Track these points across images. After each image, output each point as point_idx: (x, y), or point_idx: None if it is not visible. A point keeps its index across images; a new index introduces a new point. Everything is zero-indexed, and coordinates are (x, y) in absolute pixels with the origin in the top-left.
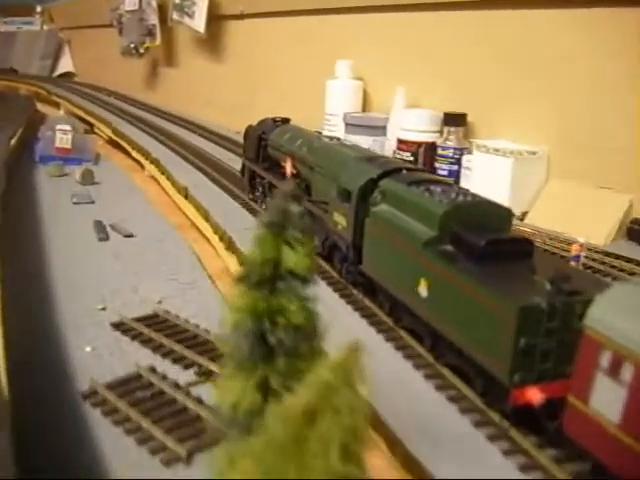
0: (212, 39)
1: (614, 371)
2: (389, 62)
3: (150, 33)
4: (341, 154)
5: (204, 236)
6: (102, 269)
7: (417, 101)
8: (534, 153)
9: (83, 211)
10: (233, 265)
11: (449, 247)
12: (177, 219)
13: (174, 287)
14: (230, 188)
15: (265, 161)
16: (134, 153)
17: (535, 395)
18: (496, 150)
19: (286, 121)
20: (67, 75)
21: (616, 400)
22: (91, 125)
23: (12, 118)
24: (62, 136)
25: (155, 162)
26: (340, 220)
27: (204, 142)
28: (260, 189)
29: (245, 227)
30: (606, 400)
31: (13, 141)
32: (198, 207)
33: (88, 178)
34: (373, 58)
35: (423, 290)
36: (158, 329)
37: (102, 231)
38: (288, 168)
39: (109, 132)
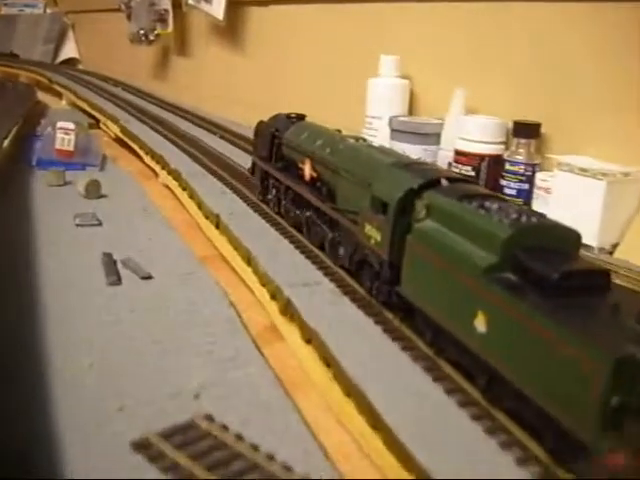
0: (232, 28)
1: None
2: (443, 59)
3: (161, 19)
4: (372, 158)
5: (240, 277)
6: (115, 335)
7: (477, 105)
8: (627, 174)
9: (88, 236)
10: (288, 333)
11: (512, 276)
12: (203, 247)
13: (212, 365)
14: (272, 217)
15: (279, 161)
16: (147, 159)
17: (625, 462)
18: (583, 170)
19: (301, 117)
20: (71, 62)
21: None
22: (96, 120)
23: (9, 110)
24: (64, 136)
25: (174, 174)
26: (373, 234)
27: (225, 145)
28: (274, 192)
29: (305, 283)
30: None
31: (6, 142)
32: (237, 247)
33: (94, 191)
34: (423, 54)
35: (480, 324)
36: (198, 455)
37: (112, 270)
38: (307, 171)
39: (116, 130)
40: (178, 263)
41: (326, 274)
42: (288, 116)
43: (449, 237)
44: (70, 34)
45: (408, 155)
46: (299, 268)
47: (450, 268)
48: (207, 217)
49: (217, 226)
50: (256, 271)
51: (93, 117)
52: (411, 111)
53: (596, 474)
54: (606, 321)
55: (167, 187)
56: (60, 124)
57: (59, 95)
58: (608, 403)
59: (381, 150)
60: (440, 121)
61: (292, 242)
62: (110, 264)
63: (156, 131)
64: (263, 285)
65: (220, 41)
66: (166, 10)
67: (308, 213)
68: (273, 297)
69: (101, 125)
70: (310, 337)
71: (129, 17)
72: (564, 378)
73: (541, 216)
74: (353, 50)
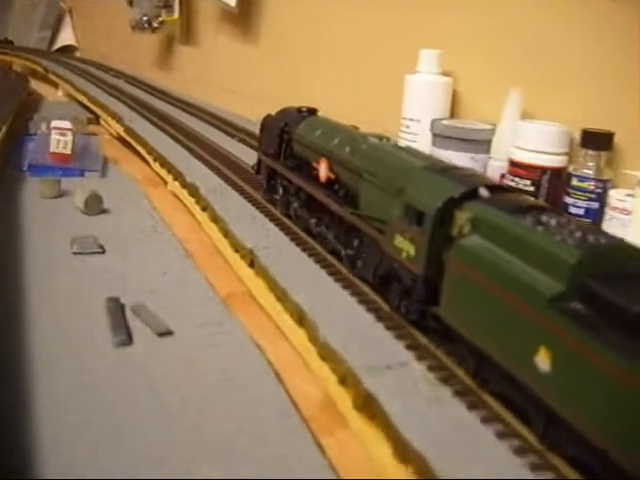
0: (245, 15)
1: None
2: (492, 53)
3: (166, 4)
4: (401, 160)
5: (278, 328)
6: (125, 434)
7: (533, 109)
8: None
9: (88, 270)
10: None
11: (581, 307)
12: (226, 280)
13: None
14: (330, 263)
15: (289, 159)
16: (155, 166)
17: None
18: None
19: (313, 112)
20: (68, 49)
21: None
22: (96, 115)
23: (1, 103)
24: (59, 137)
25: (190, 189)
26: (405, 246)
27: (245, 150)
28: (282, 192)
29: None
30: None
31: None
32: (283, 299)
33: (94, 206)
34: (469, 47)
35: (543, 362)
36: None
37: (120, 324)
38: (323, 172)
39: (119, 129)
40: (201, 308)
41: (413, 347)
42: (299, 110)
43: (502, 257)
44: (67, 20)
45: (440, 159)
46: (371, 337)
47: (504, 294)
48: (236, 250)
49: (251, 264)
50: (313, 339)
51: (92, 112)
52: (453, 113)
53: None
54: None
55: (176, 196)
56: (55, 123)
57: (55, 86)
58: None
59: (409, 151)
60: (490, 126)
61: (355, 293)
62: (117, 314)
63: (164, 131)
64: (323, 358)
65: (231, 29)
66: None
67: (323, 218)
68: (342, 382)
69: (101, 121)
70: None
71: (131, 3)
72: None
73: (610, 236)
74: (387, 42)
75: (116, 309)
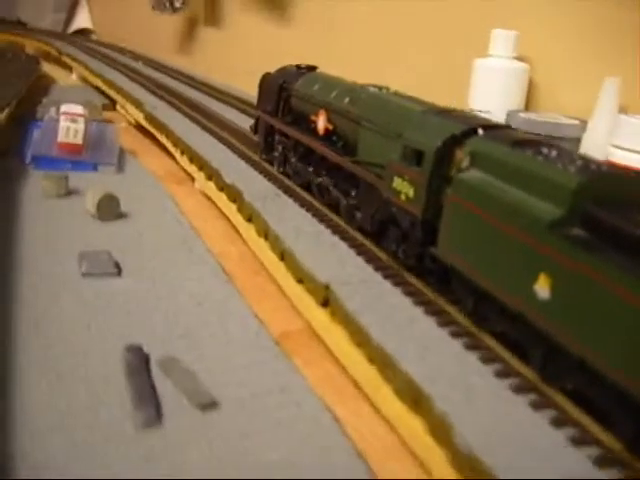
0: None
1: None
2: (578, 36)
3: None
4: (401, 106)
5: (358, 387)
6: None
7: (630, 102)
8: None
9: (101, 301)
10: None
11: (582, 232)
12: (279, 315)
13: None
14: (433, 302)
15: (288, 115)
16: (182, 160)
17: None
18: None
19: (312, 69)
20: (84, 32)
21: None
22: (112, 101)
23: (6, 86)
24: (69, 125)
25: (231, 193)
26: (404, 188)
27: None
28: (280, 149)
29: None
30: None
31: None
32: (386, 370)
33: (109, 210)
34: (549, 29)
35: (543, 289)
36: None
37: (145, 391)
38: (321, 123)
39: (139, 117)
40: (254, 363)
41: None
42: (298, 67)
43: (501, 189)
44: (83, 2)
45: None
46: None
47: (502, 224)
48: (299, 280)
49: (325, 303)
50: (441, 433)
51: (108, 97)
52: (528, 104)
53: None
54: None
55: (207, 196)
56: (65, 108)
57: (69, 69)
58: None
59: (410, 98)
60: (577, 121)
61: (473, 346)
62: (140, 374)
63: (192, 119)
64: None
65: (259, 7)
66: None
67: (321, 171)
68: None
69: (118, 107)
70: None
71: None
72: None
73: (614, 166)
74: (450, 20)
75: (139, 365)
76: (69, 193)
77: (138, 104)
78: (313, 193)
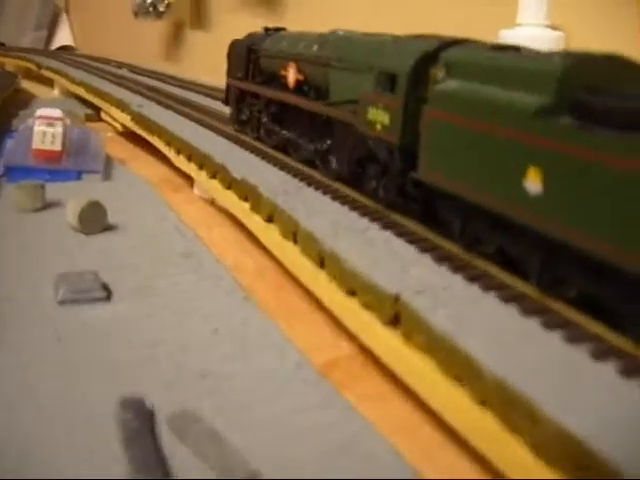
0: None
1: None
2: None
3: None
4: (372, 41)
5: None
6: None
7: None
8: None
9: (83, 334)
10: None
11: (571, 119)
12: (316, 338)
13: None
14: None
15: (258, 76)
16: (179, 160)
17: None
18: None
19: (280, 30)
20: (65, 49)
21: None
22: (96, 109)
23: None
24: (45, 129)
25: (245, 190)
26: (379, 117)
27: None
28: (251, 113)
29: None
30: None
31: None
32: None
33: (94, 220)
34: None
35: (534, 184)
36: None
37: (152, 462)
38: (292, 75)
39: (125, 118)
40: (299, 410)
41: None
42: (266, 29)
43: (480, 92)
44: (63, 17)
45: None
46: None
47: (485, 125)
48: (351, 292)
49: (394, 319)
50: None
51: (92, 106)
52: None
53: None
54: None
55: (211, 202)
56: (41, 112)
57: (51, 84)
58: None
59: (379, 35)
60: None
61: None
62: (143, 441)
63: (183, 115)
64: None
65: (250, 7)
66: None
67: (294, 127)
68: None
69: (103, 116)
70: None
71: None
72: None
73: (598, 52)
74: None
75: (140, 427)
76: (47, 205)
77: (124, 106)
78: (289, 153)
